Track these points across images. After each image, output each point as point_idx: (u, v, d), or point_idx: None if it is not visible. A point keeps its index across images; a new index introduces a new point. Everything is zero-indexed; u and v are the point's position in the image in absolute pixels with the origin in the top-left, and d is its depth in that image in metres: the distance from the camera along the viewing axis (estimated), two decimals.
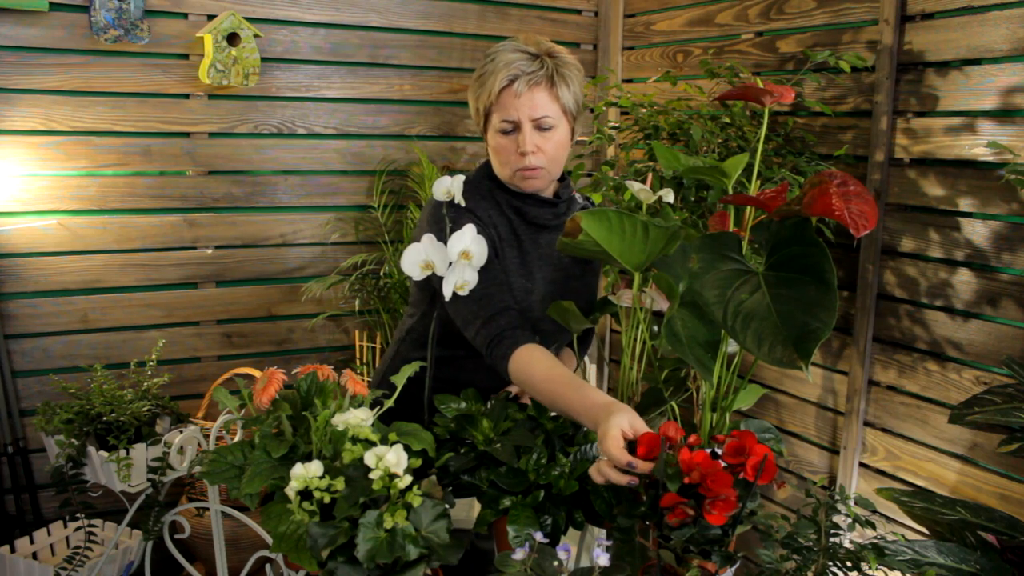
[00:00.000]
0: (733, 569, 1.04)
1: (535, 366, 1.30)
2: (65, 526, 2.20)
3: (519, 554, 0.95)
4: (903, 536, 1.51)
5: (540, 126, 1.46)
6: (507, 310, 1.40)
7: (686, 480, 1.02)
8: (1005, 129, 1.79)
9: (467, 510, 1.36)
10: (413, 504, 0.95)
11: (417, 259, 1.35)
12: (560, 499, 1.16)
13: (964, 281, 1.89)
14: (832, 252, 1.12)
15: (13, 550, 2.06)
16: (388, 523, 0.94)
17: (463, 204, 1.44)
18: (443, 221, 1.44)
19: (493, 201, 1.53)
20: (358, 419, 1.05)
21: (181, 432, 1.64)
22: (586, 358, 2.89)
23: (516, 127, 1.45)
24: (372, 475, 0.96)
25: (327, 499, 0.97)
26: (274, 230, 2.59)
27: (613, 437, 1.08)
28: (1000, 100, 1.79)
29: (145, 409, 1.73)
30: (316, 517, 0.97)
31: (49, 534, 2.17)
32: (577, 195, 1.66)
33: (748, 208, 1.18)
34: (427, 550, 0.96)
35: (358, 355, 2.64)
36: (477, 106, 1.50)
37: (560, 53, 1.49)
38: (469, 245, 1.32)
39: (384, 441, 1.05)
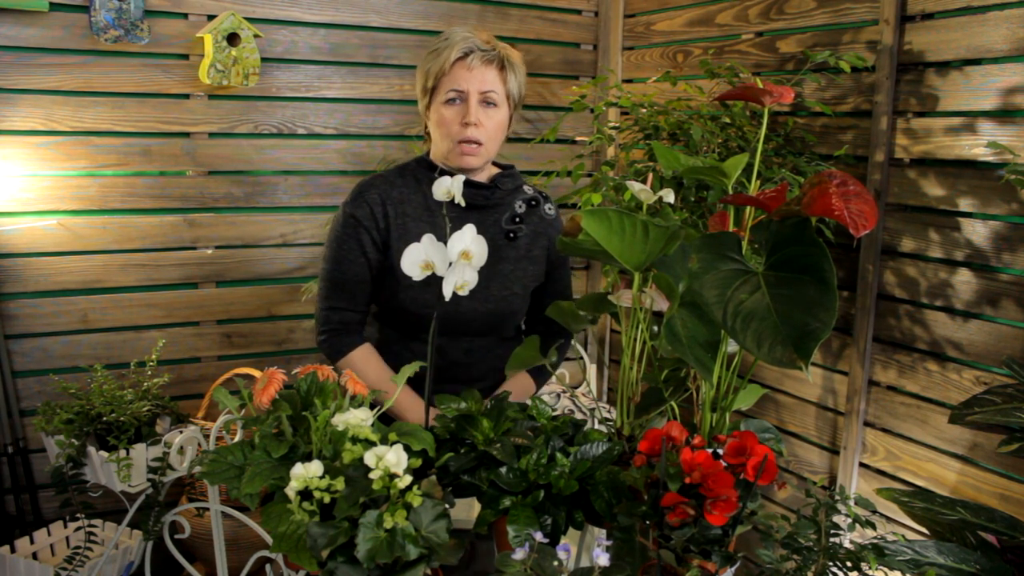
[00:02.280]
0: (733, 569, 1.04)
1: (370, 367, 1.59)
2: (65, 526, 2.20)
3: (519, 554, 0.95)
4: (903, 536, 1.51)
5: (486, 100, 1.54)
6: (352, 305, 1.61)
7: (687, 480, 1.02)
8: (1005, 129, 1.79)
9: (467, 510, 1.36)
10: (413, 504, 0.95)
11: (417, 259, 1.35)
12: (560, 499, 1.16)
13: (964, 281, 1.89)
14: (832, 252, 1.12)
15: (13, 550, 2.06)
16: (388, 523, 0.93)
17: (462, 203, 1.44)
18: (337, 229, 1.60)
19: (411, 179, 1.62)
20: (358, 419, 1.05)
21: (181, 432, 1.64)
22: (586, 357, 2.90)
23: (463, 99, 1.53)
24: (372, 475, 0.95)
25: (327, 499, 0.97)
26: (274, 230, 2.59)
27: None
28: (1000, 100, 1.79)
29: (145, 409, 1.73)
30: (316, 517, 0.97)
31: (49, 534, 2.17)
32: (528, 187, 1.69)
33: (748, 208, 1.18)
34: (427, 550, 0.96)
35: None
36: (427, 77, 1.57)
37: (505, 46, 1.59)
38: (469, 245, 1.32)
39: (384, 441, 1.05)
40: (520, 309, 1.68)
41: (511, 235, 1.64)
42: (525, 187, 1.70)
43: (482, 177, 1.65)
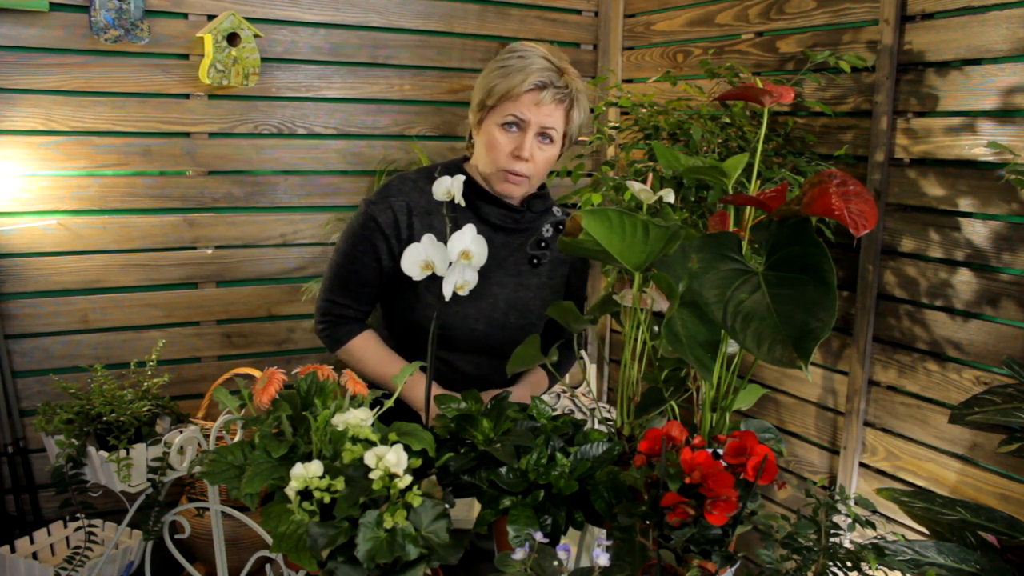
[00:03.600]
0: (733, 569, 1.04)
1: (370, 353, 1.57)
2: (65, 526, 2.20)
3: (519, 554, 0.95)
4: (903, 536, 1.51)
5: (543, 135, 1.48)
6: (355, 303, 1.58)
7: (687, 480, 1.02)
8: (1005, 129, 1.79)
9: (467, 510, 1.36)
10: (413, 504, 0.95)
11: (417, 259, 1.35)
12: (560, 499, 1.16)
13: (964, 281, 1.89)
14: (832, 252, 1.12)
15: (13, 550, 2.06)
16: (388, 523, 0.93)
17: (463, 203, 1.44)
18: (355, 226, 1.55)
19: None
20: (358, 419, 1.05)
21: (181, 432, 1.64)
22: (586, 357, 2.89)
23: (521, 128, 1.47)
24: (372, 475, 0.95)
25: (327, 499, 0.97)
26: (274, 230, 2.60)
27: None
28: (1000, 100, 1.79)
29: (145, 409, 1.73)
30: (316, 517, 0.97)
31: (49, 534, 2.17)
32: (557, 209, 1.66)
33: (748, 208, 1.18)
34: (427, 550, 0.96)
35: None
36: (490, 92, 1.47)
37: (576, 76, 1.51)
38: (469, 245, 1.32)
39: (384, 441, 1.05)
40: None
41: (535, 260, 1.61)
42: (554, 209, 1.66)
43: (515, 199, 1.59)
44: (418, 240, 1.52)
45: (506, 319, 1.57)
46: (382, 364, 1.57)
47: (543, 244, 1.62)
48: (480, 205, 1.55)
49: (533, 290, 1.61)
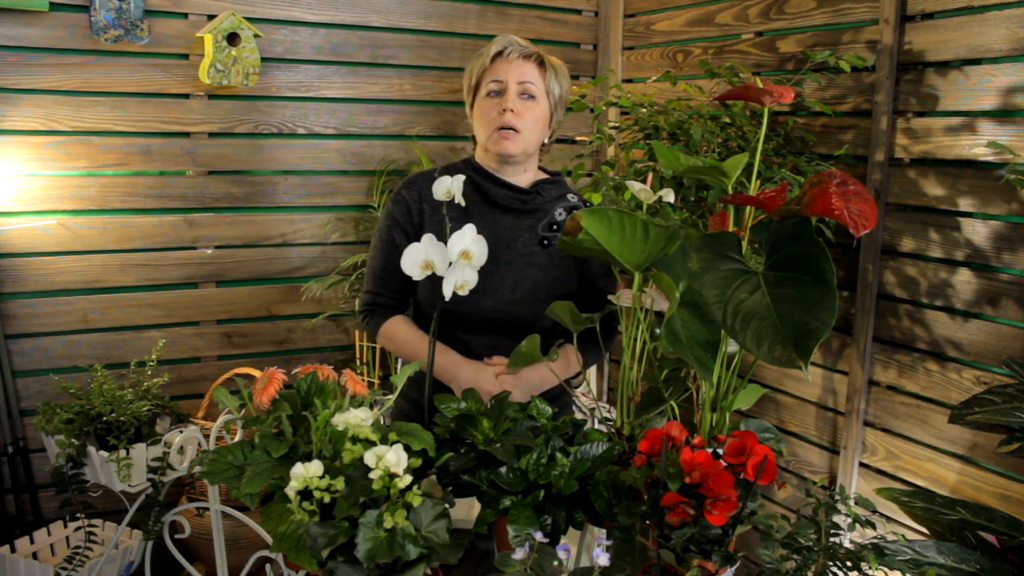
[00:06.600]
0: (733, 569, 1.04)
1: (399, 332, 1.63)
2: (65, 526, 2.20)
3: (519, 554, 0.95)
4: (903, 536, 1.51)
5: (524, 92, 1.58)
6: (387, 291, 1.66)
7: (687, 480, 1.02)
8: (1005, 129, 1.79)
9: (467, 510, 1.36)
10: (413, 504, 0.95)
11: (417, 258, 1.35)
12: (560, 499, 1.16)
13: (964, 281, 1.89)
14: (832, 252, 1.12)
15: (13, 550, 2.06)
16: (388, 523, 0.93)
17: (462, 203, 1.44)
18: (380, 221, 1.65)
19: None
20: (358, 419, 1.05)
21: (181, 432, 1.64)
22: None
23: (503, 90, 1.57)
24: (372, 475, 0.95)
25: (327, 499, 0.97)
26: (274, 230, 2.59)
27: (489, 381, 1.52)
28: (1000, 100, 1.79)
29: (145, 409, 1.73)
30: (316, 517, 0.97)
31: (49, 534, 2.17)
32: (572, 196, 1.68)
33: (748, 208, 1.18)
34: (427, 550, 0.96)
35: (358, 355, 2.64)
36: (470, 75, 1.62)
37: (549, 55, 1.64)
38: (469, 245, 1.32)
39: (384, 441, 1.05)
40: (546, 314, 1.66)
41: (545, 242, 1.64)
42: (569, 195, 1.69)
43: (524, 181, 1.64)
44: (430, 226, 1.57)
45: (512, 295, 1.60)
46: (409, 342, 1.63)
47: (555, 227, 1.65)
48: (488, 187, 1.61)
49: (541, 268, 1.63)
